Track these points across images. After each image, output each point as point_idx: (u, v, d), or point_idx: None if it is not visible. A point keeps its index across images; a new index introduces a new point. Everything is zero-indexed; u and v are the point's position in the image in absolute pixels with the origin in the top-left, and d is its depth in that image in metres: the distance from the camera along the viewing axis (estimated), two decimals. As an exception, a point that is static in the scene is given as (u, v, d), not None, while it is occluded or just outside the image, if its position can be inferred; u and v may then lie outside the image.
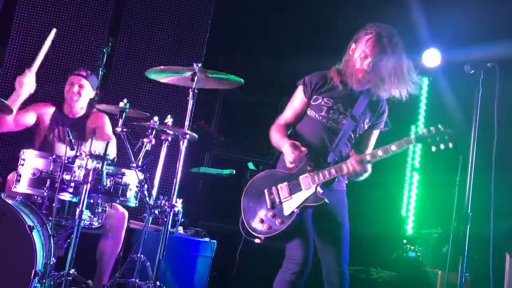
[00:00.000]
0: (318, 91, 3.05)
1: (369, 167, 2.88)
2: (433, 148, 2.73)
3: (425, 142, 2.73)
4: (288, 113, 3.15)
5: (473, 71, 2.79)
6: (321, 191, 2.88)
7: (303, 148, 2.85)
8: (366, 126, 3.11)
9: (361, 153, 3.00)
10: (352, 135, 3.08)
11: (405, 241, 5.44)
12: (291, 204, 2.89)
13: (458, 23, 5.32)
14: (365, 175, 2.92)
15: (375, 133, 3.18)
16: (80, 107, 4.07)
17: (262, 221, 2.95)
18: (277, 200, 2.93)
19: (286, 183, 2.94)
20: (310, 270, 2.97)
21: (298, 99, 3.12)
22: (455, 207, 4.14)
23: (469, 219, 2.68)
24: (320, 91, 3.05)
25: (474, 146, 2.70)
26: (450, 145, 2.69)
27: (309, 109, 3.08)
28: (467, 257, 2.67)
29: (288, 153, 2.87)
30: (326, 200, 2.87)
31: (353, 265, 3.04)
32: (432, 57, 5.80)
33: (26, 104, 3.97)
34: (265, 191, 2.99)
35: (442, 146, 2.70)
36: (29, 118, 3.99)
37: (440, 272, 4.56)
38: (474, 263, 4.19)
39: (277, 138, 3.04)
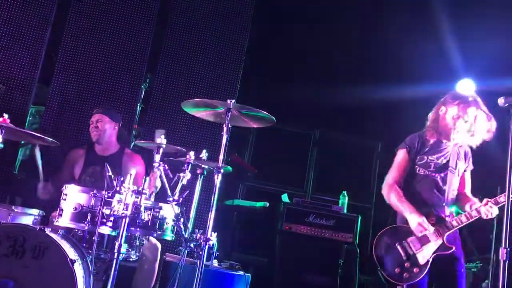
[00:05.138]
0: (421, 151, 3.52)
1: None
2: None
3: None
4: (396, 174, 3.57)
5: (507, 105, 2.77)
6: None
7: (430, 228, 3.33)
8: (462, 172, 3.59)
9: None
10: (455, 185, 3.53)
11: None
12: (424, 254, 3.36)
13: (493, 53, 5.29)
14: None
15: (469, 173, 3.65)
16: (105, 141, 4.21)
17: (401, 271, 3.39)
18: (411, 252, 3.38)
19: (414, 237, 3.39)
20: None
21: (403, 161, 3.57)
22: (493, 240, 4.05)
23: (507, 254, 2.62)
24: (423, 151, 3.51)
25: (510, 181, 2.67)
26: None
27: (417, 167, 3.52)
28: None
29: (416, 227, 3.34)
30: (454, 249, 3.35)
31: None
32: (466, 87, 5.77)
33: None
34: (397, 245, 3.43)
35: None
36: (68, 175, 4.23)
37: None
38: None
39: (399, 202, 3.46)
